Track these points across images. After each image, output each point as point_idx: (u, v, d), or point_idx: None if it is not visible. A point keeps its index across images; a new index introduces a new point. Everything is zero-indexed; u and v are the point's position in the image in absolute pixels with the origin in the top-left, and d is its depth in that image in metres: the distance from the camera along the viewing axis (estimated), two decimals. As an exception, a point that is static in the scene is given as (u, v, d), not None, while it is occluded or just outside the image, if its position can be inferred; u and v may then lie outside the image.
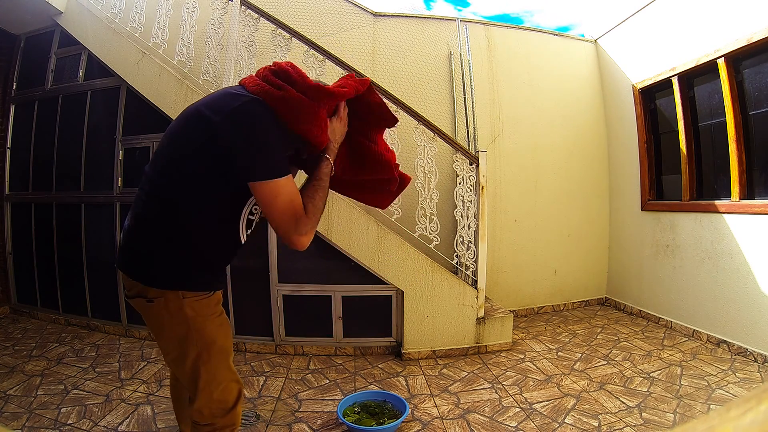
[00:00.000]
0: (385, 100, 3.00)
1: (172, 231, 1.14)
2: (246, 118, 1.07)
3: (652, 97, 3.95)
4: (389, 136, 3.03)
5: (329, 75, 3.07)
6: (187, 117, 1.15)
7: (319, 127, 1.17)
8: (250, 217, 1.23)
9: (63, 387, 2.47)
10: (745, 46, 2.86)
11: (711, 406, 2.27)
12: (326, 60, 3.01)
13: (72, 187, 3.59)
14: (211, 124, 1.07)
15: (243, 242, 1.25)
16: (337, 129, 1.27)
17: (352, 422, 2.06)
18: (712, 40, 3.13)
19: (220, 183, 1.11)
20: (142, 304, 1.17)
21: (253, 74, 1.21)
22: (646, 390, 2.46)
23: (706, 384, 2.52)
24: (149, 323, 1.24)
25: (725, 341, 3.07)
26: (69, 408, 2.23)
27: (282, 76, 1.16)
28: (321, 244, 2.99)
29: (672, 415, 2.18)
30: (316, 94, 1.15)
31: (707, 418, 0.23)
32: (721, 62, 3.06)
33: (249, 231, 1.25)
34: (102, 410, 2.21)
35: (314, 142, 1.19)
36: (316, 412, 2.26)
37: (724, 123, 3.09)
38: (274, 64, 1.21)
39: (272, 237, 3.00)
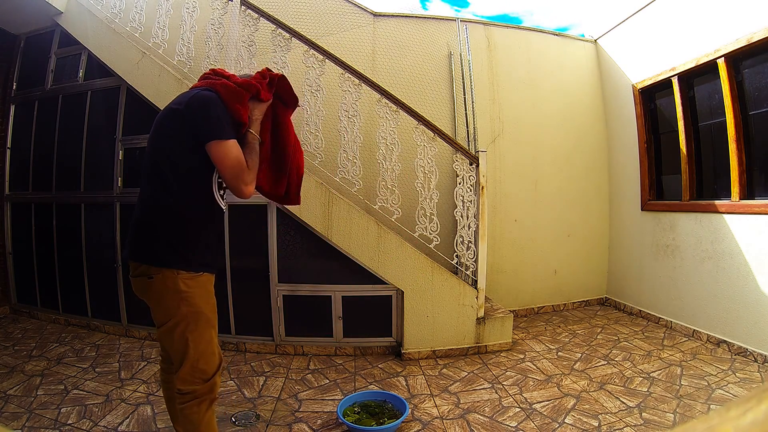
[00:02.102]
0: (385, 100, 3.02)
1: (167, 214, 1.42)
2: (200, 99, 1.42)
3: (652, 97, 3.95)
4: (389, 135, 3.03)
5: (329, 74, 3.07)
6: (163, 116, 1.49)
7: (244, 106, 1.52)
8: (219, 179, 1.50)
9: (63, 387, 2.47)
10: (745, 46, 2.86)
11: (711, 406, 2.27)
12: (326, 60, 3.01)
13: (72, 187, 3.59)
14: (178, 112, 1.42)
15: (222, 207, 1.56)
16: (255, 107, 1.60)
17: (352, 422, 2.06)
18: (712, 40, 3.13)
19: (193, 159, 1.41)
20: (143, 282, 1.43)
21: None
22: (646, 390, 2.46)
23: (706, 384, 2.52)
24: (148, 298, 1.46)
25: (725, 341, 3.07)
26: (69, 408, 2.23)
27: (219, 73, 1.60)
28: (321, 244, 2.99)
29: (672, 415, 2.17)
30: (242, 84, 1.55)
31: (707, 418, 0.23)
32: (721, 62, 3.06)
33: (222, 192, 1.55)
34: (102, 410, 2.21)
35: (238, 118, 1.49)
36: (316, 412, 2.26)
37: (724, 123, 3.09)
38: (211, 69, 1.64)
39: (272, 237, 3.00)
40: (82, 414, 2.17)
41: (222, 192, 1.55)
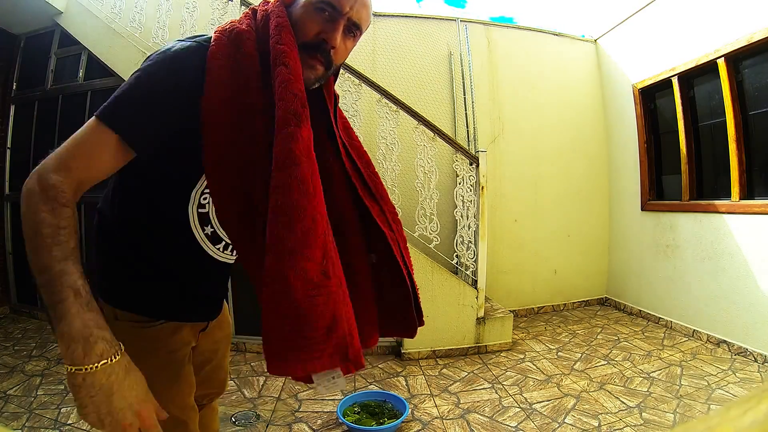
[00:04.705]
0: (385, 100, 3.02)
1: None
2: (156, 53, 0.73)
3: (652, 97, 3.95)
4: (389, 135, 3.03)
5: (329, 75, 3.07)
6: None
7: (233, 129, 0.70)
8: (200, 210, 0.83)
9: (63, 387, 2.47)
10: (745, 46, 2.86)
11: (711, 406, 2.27)
12: (326, 60, 3.01)
13: (72, 187, 3.59)
14: None
15: (209, 252, 0.86)
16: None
17: (352, 422, 2.06)
18: (712, 40, 3.13)
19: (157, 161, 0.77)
20: None
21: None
22: (646, 390, 2.46)
23: (706, 384, 2.52)
24: None
25: (725, 341, 3.07)
26: (69, 408, 2.22)
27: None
28: (321, 244, 2.99)
29: (672, 415, 2.17)
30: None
31: (707, 418, 0.23)
32: (721, 62, 3.06)
33: (207, 228, 0.84)
34: (102, 410, 2.21)
35: (205, 136, 0.70)
36: (316, 412, 2.26)
37: (724, 123, 3.09)
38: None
39: (272, 237, 3.00)
40: (82, 414, 2.17)
41: (208, 228, 0.86)
